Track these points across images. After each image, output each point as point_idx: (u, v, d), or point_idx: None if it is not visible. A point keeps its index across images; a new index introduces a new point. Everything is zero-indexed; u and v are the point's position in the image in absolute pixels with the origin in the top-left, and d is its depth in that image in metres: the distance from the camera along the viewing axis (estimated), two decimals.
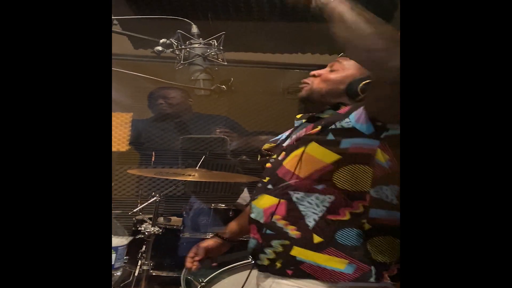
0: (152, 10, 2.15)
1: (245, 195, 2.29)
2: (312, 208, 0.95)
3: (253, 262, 1.06)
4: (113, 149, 2.48)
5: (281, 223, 0.98)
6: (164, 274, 1.73)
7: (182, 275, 1.53)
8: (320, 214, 0.94)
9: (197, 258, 1.29)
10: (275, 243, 0.98)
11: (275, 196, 1.00)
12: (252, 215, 1.05)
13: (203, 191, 2.23)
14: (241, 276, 1.10)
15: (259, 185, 1.09)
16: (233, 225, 1.38)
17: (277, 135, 1.26)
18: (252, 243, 1.06)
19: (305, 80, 1.15)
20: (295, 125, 1.18)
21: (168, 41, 0.99)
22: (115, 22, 0.96)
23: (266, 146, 1.22)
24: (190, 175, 1.67)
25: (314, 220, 0.94)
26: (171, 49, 0.99)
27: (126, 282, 1.86)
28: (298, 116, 1.19)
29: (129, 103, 2.59)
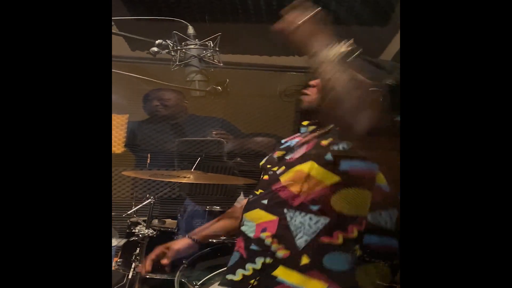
0: (149, 12, 2.14)
1: (241, 198, 2.28)
2: (305, 229, 0.91)
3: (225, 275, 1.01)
4: None
5: (268, 241, 0.94)
6: (157, 276, 1.72)
7: (176, 278, 1.51)
8: (313, 236, 0.90)
9: (165, 261, 1.32)
10: (258, 260, 0.94)
11: (269, 212, 0.97)
12: (243, 228, 1.01)
13: (198, 194, 2.22)
14: None
15: (251, 197, 1.06)
16: (206, 228, 1.40)
17: (273, 137, 1.22)
18: (235, 256, 1.01)
19: (306, 91, 1.10)
20: (301, 131, 1.13)
21: (164, 42, 0.98)
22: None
23: (279, 153, 1.13)
24: (185, 177, 1.66)
25: (306, 241, 0.90)
26: (167, 50, 0.98)
27: (120, 284, 1.85)
28: (305, 123, 1.14)
29: (125, 104, 2.58)
